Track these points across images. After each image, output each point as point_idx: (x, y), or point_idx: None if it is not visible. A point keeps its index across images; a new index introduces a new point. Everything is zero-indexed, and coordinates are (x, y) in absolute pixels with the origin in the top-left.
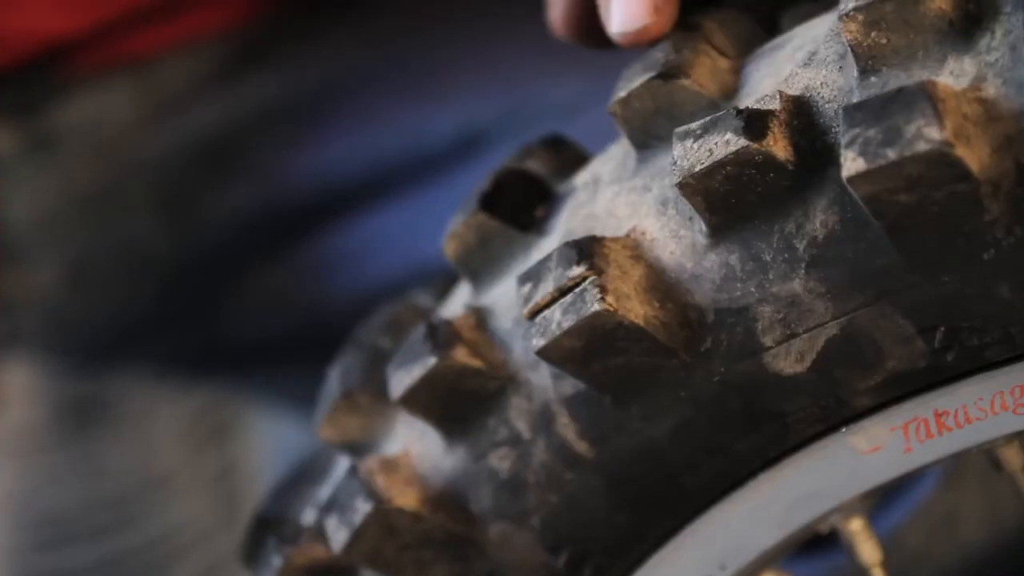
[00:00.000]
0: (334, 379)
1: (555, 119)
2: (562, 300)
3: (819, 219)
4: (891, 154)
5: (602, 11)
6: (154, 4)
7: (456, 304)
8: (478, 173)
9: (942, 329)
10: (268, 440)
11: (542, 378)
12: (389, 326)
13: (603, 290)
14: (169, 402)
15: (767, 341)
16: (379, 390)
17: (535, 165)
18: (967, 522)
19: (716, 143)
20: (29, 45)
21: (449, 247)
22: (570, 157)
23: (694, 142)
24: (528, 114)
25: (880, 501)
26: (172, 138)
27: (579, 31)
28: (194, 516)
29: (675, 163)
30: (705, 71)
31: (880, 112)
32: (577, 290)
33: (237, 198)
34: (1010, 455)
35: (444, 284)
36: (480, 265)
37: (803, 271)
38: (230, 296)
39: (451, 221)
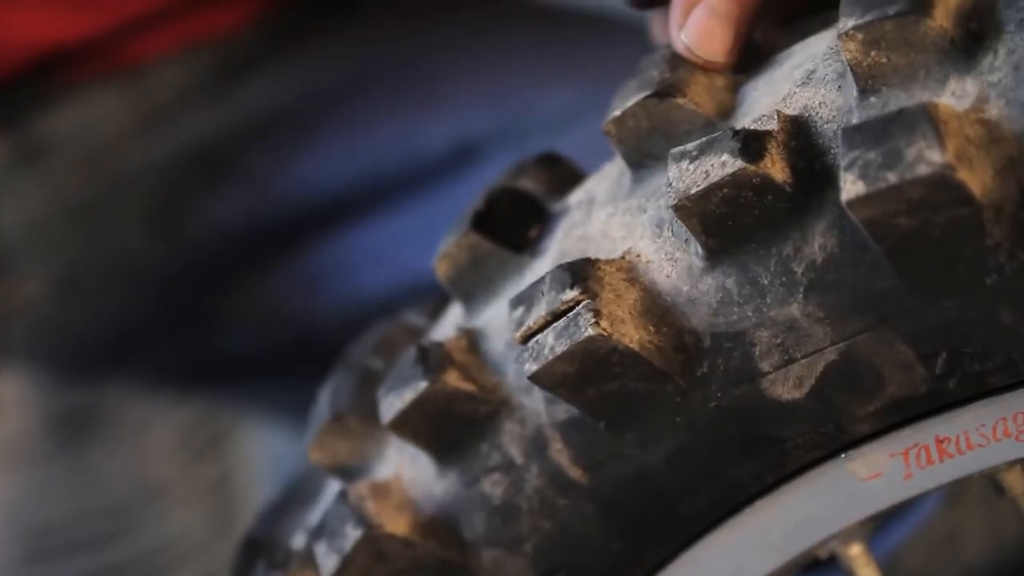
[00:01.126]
0: (324, 401)
1: (550, 130)
2: (555, 324)
3: (818, 242)
4: (891, 177)
5: (676, 17)
6: (147, 13)
7: (448, 326)
8: (472, 185)
9: (943, 355)
10: (263, 450)
11: (535, 402)
12: (380, 346)
13: (597, 314)
14: (163, 413)
15: (765, 366)
16: (369, 413)
17: (529, 183)
18: (969, 543)
19: (712, 165)
20: (22, 55)
21: (441, 268)
22: (564, 175)
23: (690, 163)
24: (523, 125)
25: (880, 522)
26: (162, 148)
27: None
28: (189, 527)
29: (670, 185)
30: (701, 89)
31: (880, 134)
32: (571, 314)
33: (227, 209)
34: (1012, 479)
35: (436, 303)
36: (472, 286)
37: (801, 295)
38: (221, 308)
39: (443, 241)
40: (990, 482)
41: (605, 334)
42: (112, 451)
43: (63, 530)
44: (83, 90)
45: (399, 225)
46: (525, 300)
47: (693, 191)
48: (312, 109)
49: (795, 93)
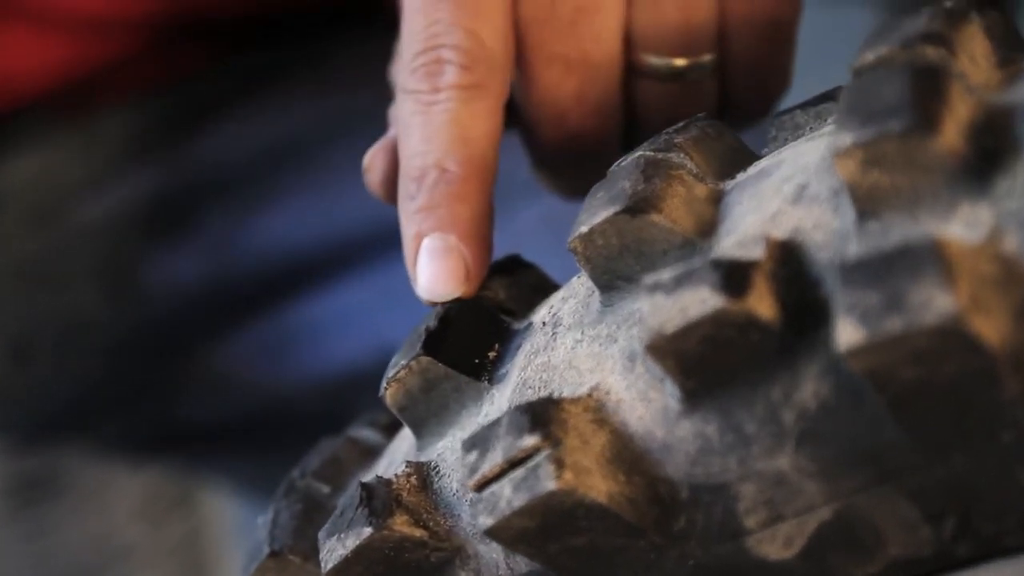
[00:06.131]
0: (263, 531)
1: (530, 193)
2: (513, 474)
3: (810, 387)
4: (895, 325)
5: (408, 263)
6: (107, 58)
7: (397, 457)
8: None
9: (953, 516)
10: (231, 507)
11: (493, 551)
12: (326, 467)
13: (559, 465)
14: (125, 476)
15: (750, 523)
16: (312, 549)
17: (488, 295)
18: None
19: (690, 300)
20: None
21: (390, 393)
22: (530, 283)
23: (665, 297)
24: (504, 184)
25: None
26: (114, 202)
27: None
28: None
29: (643, 321)
30: (679, 203)
31: (882, 274)
32: (530, 464)
33: (185, 268)
34: None
35: (391, 417)
36: (425, 414)
37: (791, 447)
38: (180, 373)
39: (392, 364)
40: None
41: (568, 488)
42: (73, 515)
43: None
44: (32, 141)
45: (369, 289)
46: (480, 443)
47: (668, 330)
48: (276, 162)
49: (785, 212)
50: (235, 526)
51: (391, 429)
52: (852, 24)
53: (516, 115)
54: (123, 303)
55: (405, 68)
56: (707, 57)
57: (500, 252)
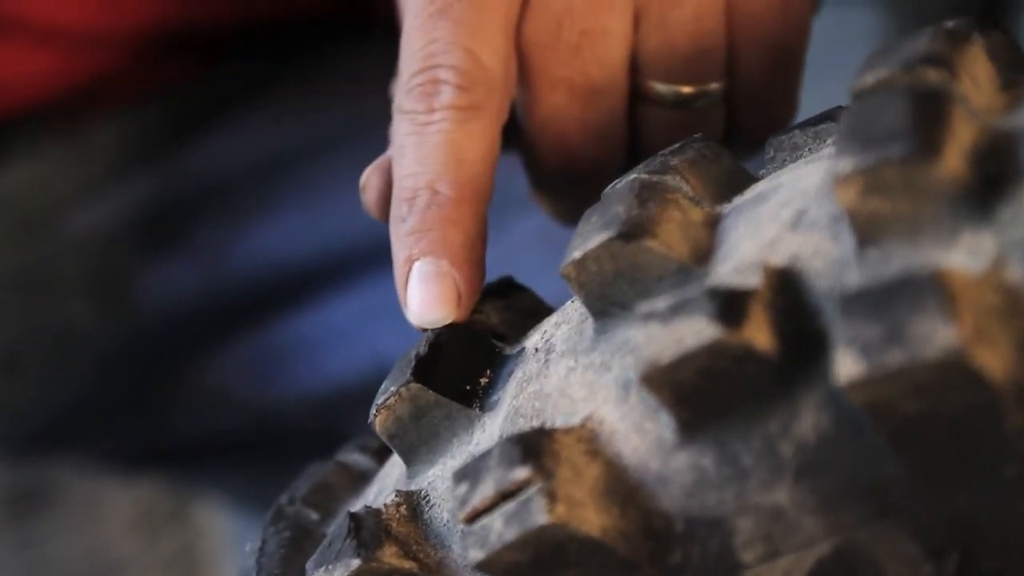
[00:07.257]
0: (250, 560)
1: (528, 207)
2: (504, 506)
3: (809, 420)
4: (895, 358)
5: (398, 287)
6: (100, 70)
7: (387, 483)
8: None
9: (955, 553)
10: (225, 521)
11: None
12: (315, 493)
13: (552, 498)
14: (119, 489)
15: (747, 558)
16: None
17: (481, 318)
18: None
19: (686, 331)
20: None
21: (379, 421)
22: (523, 306)
23: (661, 326)
24: (500, 198)
25: None
26: (105, 213)
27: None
28: None
29: (638, 350)
30: (674, 227)
31: (883, 305)
32: (521, 497)
33: (178, 280)
34: None
35: (381, 441)
36: (415, 442)
37: (790, 480)
38: (173, 387)
39: (381, 390)
40: None
41: (561, 521)
42: (66, 528)
43: None
44: (23, 151)
45: (365, 303)
46: (470, 475)
47: (664, 361)
48: (269, 174)
49: (783, 238)
50: (229, 540)
51: (381, 454)
52: (852, 26)
53: (516, 137)
54: (115, 315)
55: (402, 87)
56: (715, 85)
57: (495, 266)
